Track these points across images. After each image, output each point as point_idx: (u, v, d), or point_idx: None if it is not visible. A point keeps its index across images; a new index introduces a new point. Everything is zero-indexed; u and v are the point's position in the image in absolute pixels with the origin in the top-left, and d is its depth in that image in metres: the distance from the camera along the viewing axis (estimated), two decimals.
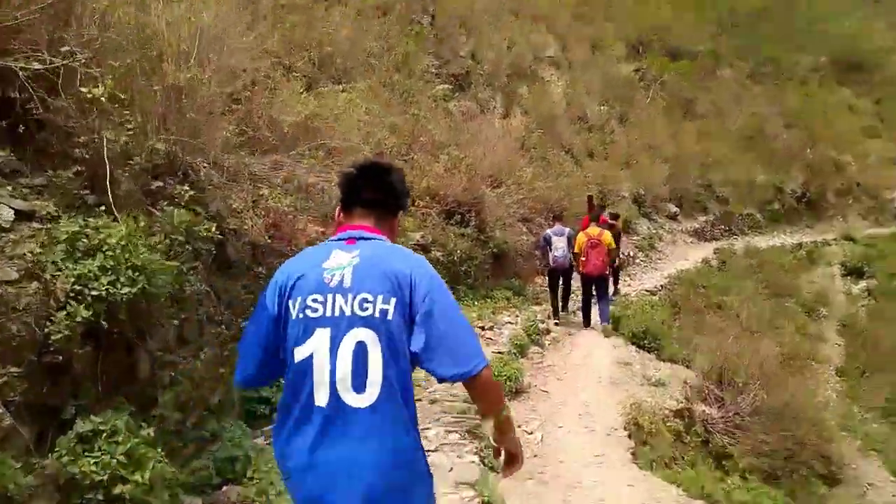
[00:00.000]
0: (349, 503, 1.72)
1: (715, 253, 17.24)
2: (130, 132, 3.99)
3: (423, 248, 8.85)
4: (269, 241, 5.56)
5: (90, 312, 3.17)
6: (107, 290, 3.24)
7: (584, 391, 6.96)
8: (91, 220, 3.49)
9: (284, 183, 6.39)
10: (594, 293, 9.33)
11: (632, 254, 15.68)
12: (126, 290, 3.30)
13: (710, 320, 11.98)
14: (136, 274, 3.37)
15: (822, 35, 35.56)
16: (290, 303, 1.84)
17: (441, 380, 1.82)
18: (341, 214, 2.08)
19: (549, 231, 9.49)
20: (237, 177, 5.95)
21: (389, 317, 1.78)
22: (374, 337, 1.77)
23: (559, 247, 9.04)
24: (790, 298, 16.57)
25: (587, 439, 5.71)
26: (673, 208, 19.60)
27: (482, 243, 10.23)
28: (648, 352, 8.85)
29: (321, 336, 1.78)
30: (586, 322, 9.57)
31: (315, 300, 1.81)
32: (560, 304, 9.76)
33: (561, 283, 9.58)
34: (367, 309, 1.78)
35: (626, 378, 7.50)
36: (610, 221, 10.65)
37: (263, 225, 5.65)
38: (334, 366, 1.75)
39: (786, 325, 14.05)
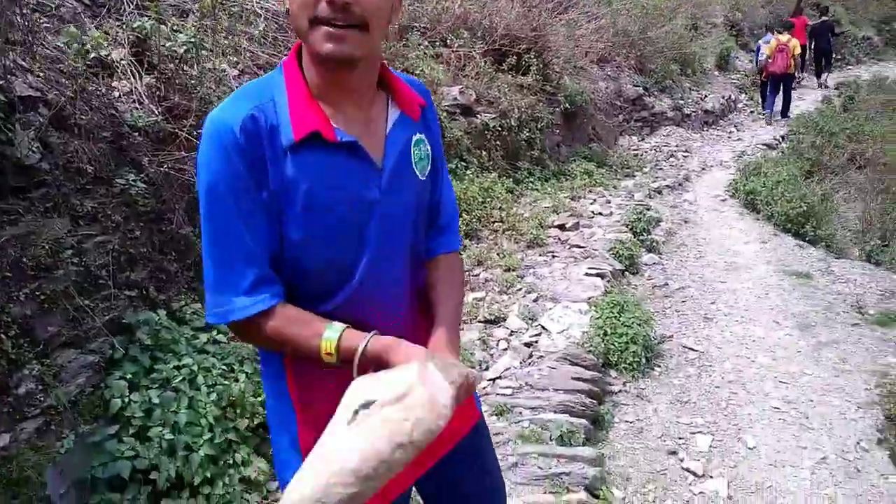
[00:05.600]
0: None
1: (836, 89, 13.53)
2: None
3: (466, 110, 5.91)
4: (159, 120, 2.80)
5: None
6: None
7: (758, 346, 4.03)
8: None
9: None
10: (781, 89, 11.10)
11: (734, 97, 12.37)
12: None
13: (858, 179, 8.90)
14: None
15: None
16: None
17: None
18: None
19: (760, 41, 11.63)
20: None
21: None
22: None
23: (765, 52, 10.96)
24: None
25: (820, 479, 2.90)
26: None
27: (548, 97, 7.19)
28: (813, 244, 5.92)
29: None
30: (769, 113, 11.32)
31: None
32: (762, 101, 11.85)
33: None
34: None
35: (819, 308, 4.50)
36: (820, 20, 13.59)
37: (145, 88, 2.87)
38: None
39: None
